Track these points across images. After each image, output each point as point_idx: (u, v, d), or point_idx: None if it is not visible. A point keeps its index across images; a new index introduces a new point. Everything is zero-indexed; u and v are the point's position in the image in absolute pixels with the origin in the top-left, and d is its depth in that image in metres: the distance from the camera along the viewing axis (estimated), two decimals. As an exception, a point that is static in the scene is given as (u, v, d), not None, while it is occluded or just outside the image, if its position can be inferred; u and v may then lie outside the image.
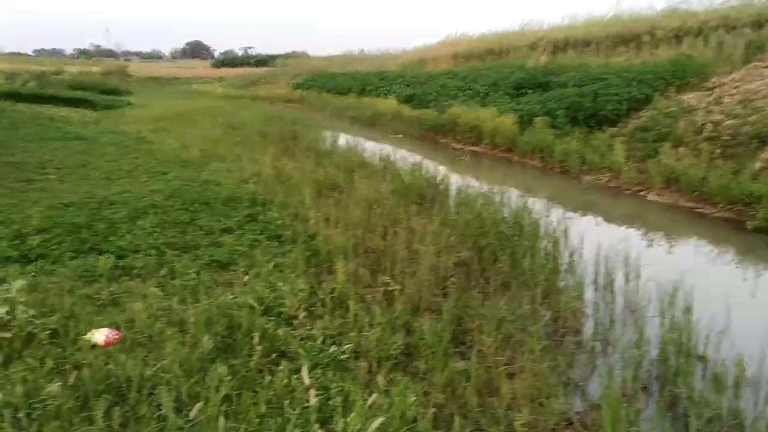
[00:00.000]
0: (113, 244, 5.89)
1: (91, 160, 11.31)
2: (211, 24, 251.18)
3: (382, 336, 4.19)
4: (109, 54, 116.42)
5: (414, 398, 3.39)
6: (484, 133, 15.47)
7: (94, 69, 58.44)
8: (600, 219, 9.50)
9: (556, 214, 8.03)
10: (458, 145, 16.42)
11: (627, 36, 22.02)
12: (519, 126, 14.62)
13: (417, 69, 31.65)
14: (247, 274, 5.44)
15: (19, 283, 4.11)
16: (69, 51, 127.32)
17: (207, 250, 5.90)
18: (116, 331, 3.97)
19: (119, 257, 5.66)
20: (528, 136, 13.81)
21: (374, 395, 3.37)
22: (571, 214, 8.85)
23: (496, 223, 6.96)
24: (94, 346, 3.84)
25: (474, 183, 9.98)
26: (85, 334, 3.91)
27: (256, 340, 3.95)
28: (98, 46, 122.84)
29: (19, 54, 65.15)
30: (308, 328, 4.36)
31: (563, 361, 4.31)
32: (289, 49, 77.68)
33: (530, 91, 17.66)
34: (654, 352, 4.44)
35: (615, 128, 12.79)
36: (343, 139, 16.53)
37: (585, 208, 9.87)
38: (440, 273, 5.66)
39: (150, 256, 5.68)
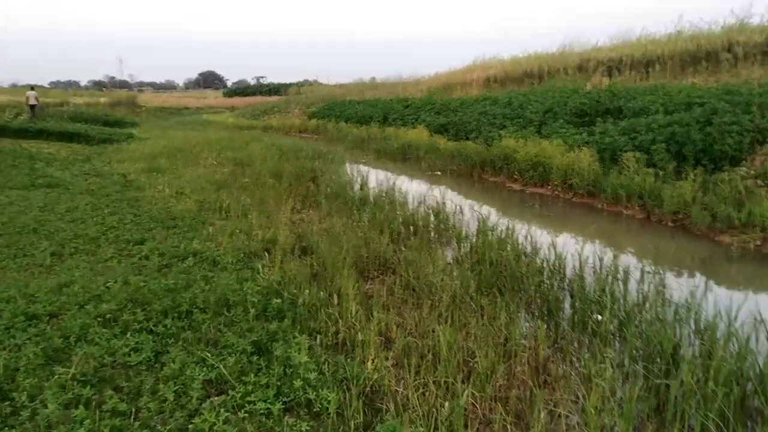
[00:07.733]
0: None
1: (49, 221, 8.33)
2: (225, 55, 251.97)
3: None
4: (123, 85, 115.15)
5: None
6: (551, 172, 12.36)
7: (102, 100, 56.16)
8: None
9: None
10: (516, 186, 13.32)
11: (697, 54, 19.02)
12: (600, 163, 11.52)
13: (444, 95, 28.74)
14: None
15: None
16: (84, 83, 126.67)
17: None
18: None
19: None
20: (617, 177, 10.67)
21: None
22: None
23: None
24: None
25: (576, 247, 6.85)
26: None
27: None
28: (112, 78, 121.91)
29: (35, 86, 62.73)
30: None
31: None
32: (300, 78, 75.51)
33: (598, 119, 14.63)
34: None
35: (742, 168, 9.64)
36: (372, 177, 13.52)
37: None
38: None
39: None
